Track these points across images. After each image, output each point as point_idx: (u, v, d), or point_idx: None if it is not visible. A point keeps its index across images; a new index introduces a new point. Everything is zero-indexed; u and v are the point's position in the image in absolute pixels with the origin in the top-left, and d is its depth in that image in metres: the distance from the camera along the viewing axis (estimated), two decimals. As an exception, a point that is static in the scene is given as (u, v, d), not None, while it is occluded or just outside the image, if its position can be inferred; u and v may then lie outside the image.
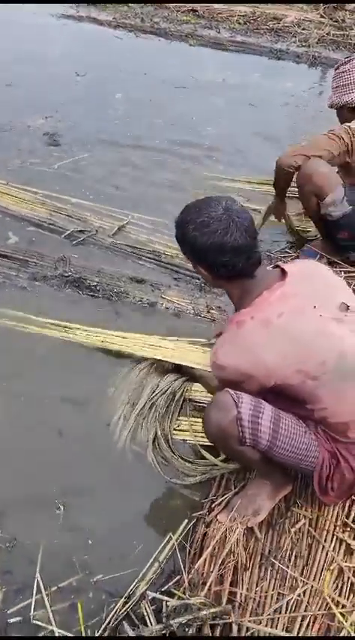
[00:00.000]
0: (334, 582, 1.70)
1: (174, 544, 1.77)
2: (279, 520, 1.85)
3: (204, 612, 1.50)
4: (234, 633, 1.52)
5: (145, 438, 2.11)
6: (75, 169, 3.70)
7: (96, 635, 1.56)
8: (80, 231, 3.12)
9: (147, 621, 1.53)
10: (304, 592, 1.67)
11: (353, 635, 1.57)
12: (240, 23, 6.38)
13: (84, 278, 2.80)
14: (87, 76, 5.01)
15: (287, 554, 1.77)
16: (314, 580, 1.70)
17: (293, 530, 1.82)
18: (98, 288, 2.76)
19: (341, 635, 1.58)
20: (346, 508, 1.88)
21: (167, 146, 4.05)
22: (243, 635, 1.54)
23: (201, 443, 2.08)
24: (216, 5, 6.61)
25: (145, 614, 1.55)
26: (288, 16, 6.47)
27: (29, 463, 2.00)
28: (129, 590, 1.65)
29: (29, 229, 3.13)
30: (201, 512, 1.87)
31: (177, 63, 5.49)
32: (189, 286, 2.86)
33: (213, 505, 1.88)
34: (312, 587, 1.68)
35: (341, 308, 1.62)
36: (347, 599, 1.66)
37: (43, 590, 1.65)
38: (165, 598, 1.57)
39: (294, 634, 1.56)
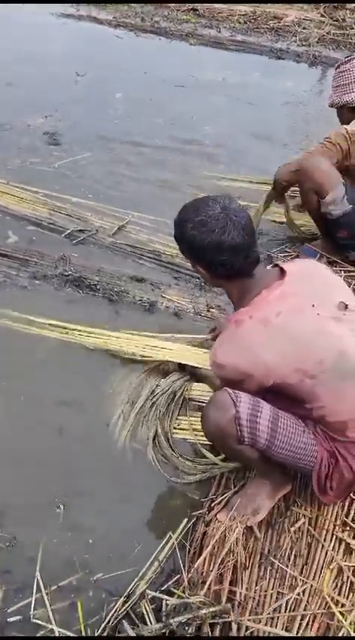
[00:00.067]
0: (333, 581, 1.70)
1: (173, 543, 1.77)
2: (279, 519, 1.85)
3: (204, 611, 1.51)
4: (234, 632, 1.53)
5: (145, 436, 2.12)
6: (75, 169, 3.70)
7: (96, 633, 1.56)
8: (80, 230, 3.12)
9: (147, 620, 1.54)
10: (303, 591, 1.67)
11: (352, 634, 1.57)
12: (240, 22, 6.38)
13: (84, 277, 2.80)
14: (87, 75, 5.01)
15: (287, 554, 1.77)
16: (313, 579, 1.70)
17: (292, 529, 1.82)
18: (98, 287, 2.76)
19: (341, 633, 1.58)
20: (345, 507, 1.89)
21: (167, 145, 4.05)
22: (242, 634, 1.54)
23: (201, 442, 2.08)
24: (216, 4, 6.61)
25: (145, 613, 1.56)
26: (289, 16, 6.47)
27: (29, 463, 2.00)
28: (129, 589, 1.65)
29: (29, 228, 3.13)
30: (200, 511, 1.87)
31: (178, 62, 5.49)
32: (189, 285, 2.86)
33: (212, 504, 1.89)
34: (312, 586, 1.68)
35: (339, 307, 1.63)
36: (347, 598, 1.66)
37: (42, 589, 1.65)
38: (165, 597, 1.58)
39: (294, 633, 1.57)
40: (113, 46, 5.76)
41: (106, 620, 1.58)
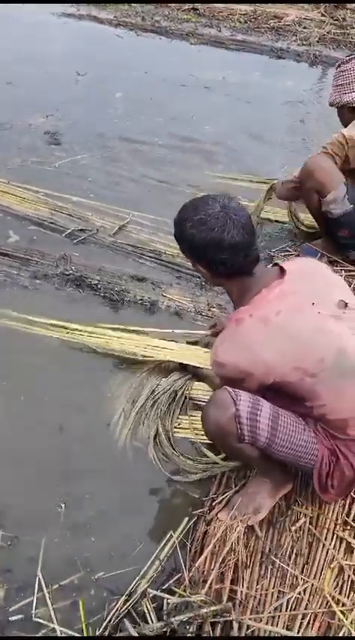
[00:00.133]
0: (334, 580, 1.70)
1: (174, 542, 1.77)
2: (280, 518, 1.85)
3: (205, 610, 1.51)
4: (235, 631, 1.53)
5: (146, 434, 2.12)
6: (75, 168, 3.70)
7: (98, 632, 1.56)
8: (81, 229, 3.12)
9: (148, 619, 1.54)
10: (304, 590, 1.67)
11: (353, 633, 1.57)
12: (240, 22, 6.38)
13: (85, 276, 2.80)
14: (87, 74, 5.01)
15: (288, 553, 1.77)
16: (314, 578, 1.70)
17: (293, 528, 1.82)
18: (99, 286, 2.76)
19: (342, 632, 1.58)
20: (346, 506, 1.89)
21: (167, 145, 4.05)
22: (243, 632, 1.54)
23: (202, 441, 2.08)
24: (216, 4, 6.61)
25: (146, 611, 1.56)
26: (289, 15, 6.47)
27: (30, 462, 2.01)
28: (130, 588, 1.65)
29: (30, 228, 3.14)
30: (201, 510, 1.88)
31: (178, 61, 5.50)
32: (190, 284, 2.86)
33: (213, 503, 1.89)
34: (313, 585, 1.68)
35: (339, 305, 1.63)
36: (348, 597, 1.66)
37: (44, 588, 1.65)
38: (166, 596, 1.58)
39: (295, 632, 1.57)
40: (113, 45, 5.76)
41: (108, 619, 1.58)
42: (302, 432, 1.63)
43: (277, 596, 1.66)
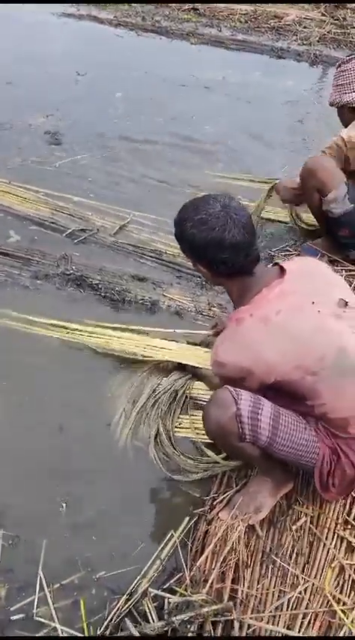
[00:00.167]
0: (335, 580, 1.70)
1: (175, 541, 1.78)
2: (280, 518, 1.86)
3: (206, 609, 1.51)
4: (236, 630, 1.53)
5: (147, 434, 2.12)
6: (76, 168, 3.70)
7: (99, 631, 1.56)
8: (82, 229, 3.12)
9: (149, 618, 1.54)
10: (305, 589, 1.67)
11: (354, 632, 1.58)
12: (241, 21, 6.38)
13: (86, 276, 2.80)
14: (87, 74, 5.01)
15: (289, 552, 1.77)
16: (315, 577, 1.70)
17: (294, 527, 1.82)
18: (100, 286, 2.76)
19: (342, 632, 1.58)
20: (347, 506, 1.89)
21: (167, 145, 4.06)
22: (244, 632, 1.54)
23: (202, 440, 2.08)
24: (217, 4, 6.61)
25: (147, 611, 1.56)
26: (289, 15, 6.46)
27: (31, 462, 2.01)
28: (131, 588, 1.66)
29: (31, 228, 3.14)
30: (202, 510, 1.88)
31: (178, 61, 5.49)
32: (191, 284, 2.87)
33: (214, 502, 1.89)
34: (313, 584, 1.68)
35: (339, 304, 1.63)
36: (348, 596, 1.67)
37: (45, 587, 1.65)
38: (167, 595, 1.58)
39: (295, 631, 1.57)
40: (113, 45, 5.76)
41: (109, 618, 1.58)
42: (303, 431, 1.64)
43: (278, 596, 1.66)
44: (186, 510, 1.89)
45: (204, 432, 1.76)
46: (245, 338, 1.59)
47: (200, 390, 2.26)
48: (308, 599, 1.65)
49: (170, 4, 6.60)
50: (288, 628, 1.58)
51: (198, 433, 2.11)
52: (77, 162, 3.76)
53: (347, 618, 1.60)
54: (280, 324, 1.56)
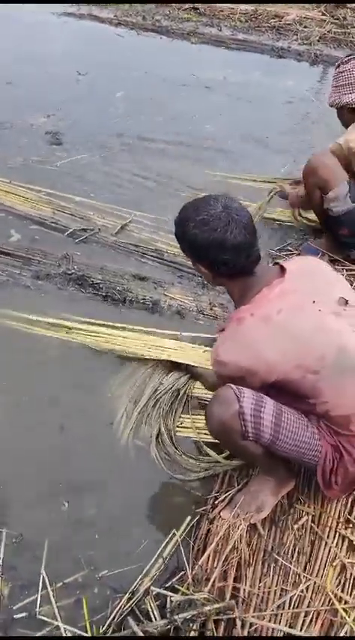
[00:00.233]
0: (337, 578, 1.71)
1: (177, 540, 1.78)
2: (282, 517, 1.86)
3: (208, 608, 1.52)
4: (238, 628, 1.53)
5: (149, 433, 2.12)
6: (77, 168, 3.71)
7: (101, 630, 1.57)
8: (83, 229, 3.13)
9: (152, 617, 1.55)
10: (307, 588, 1.68)
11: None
12: (241, 21, 6.37)
13: (87, 276, 2.81)
14: (88, 74, 5.01)
15: (290, 551, 1.78)
16: (316, 576, 1.71)
17: (296, 526, 1.83)
18: (101, 285, 2.76)
19: (344, 630, 1.58)
20: (348, 505, 1.89)
21: (168, 144, 4.05)
22: (246, 630, 1.55)
23: (204, 440, 2.09)
24: (217, 3, 6.61)
25: (150, 609, 1.57)
26: (290, 14, 6.46)
27: (33, 460, 2.01)
28: (133, 586, 1.66)
29: (32, 227, 3.14)
30: (204, 509, 1.88)
31: (179, 61, 5.49)
32: (192, 284, 2.87)
33: (216, 501, 1.89)
34: (315, 583, 1.69)
35: (339, 302, 1.64)
36: (350, 595, 1.67)
37: (48, 585, 1.66)
38: (169, 594, 1.59)
39: (297, 630, 1.57)
40: (114, 44, 5.76)
41: (111, 617, 1.59)
42: (305, 429, 1.64)
43: (280, 594, 1.66)
44: (188, 509, 1.89)
45: (205, 431, 1.77)
46: (246, 337, 1.59)
47: (201, 389, 2.26)
48: (310, 598, 1.65)
49: (170, 4, 6.60)
50: (290, 626, 1.58)
51: (199, 433, 2.12)
52: (78, 162, 3.76)
53: (349, 617, 1.60)
54: (281, 324, 1.57)
